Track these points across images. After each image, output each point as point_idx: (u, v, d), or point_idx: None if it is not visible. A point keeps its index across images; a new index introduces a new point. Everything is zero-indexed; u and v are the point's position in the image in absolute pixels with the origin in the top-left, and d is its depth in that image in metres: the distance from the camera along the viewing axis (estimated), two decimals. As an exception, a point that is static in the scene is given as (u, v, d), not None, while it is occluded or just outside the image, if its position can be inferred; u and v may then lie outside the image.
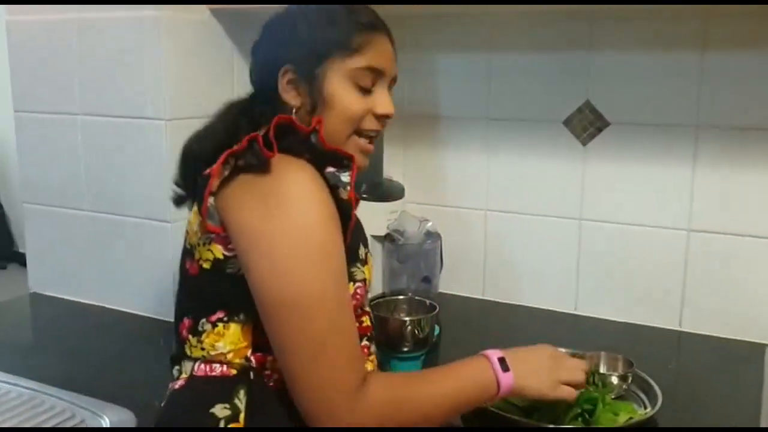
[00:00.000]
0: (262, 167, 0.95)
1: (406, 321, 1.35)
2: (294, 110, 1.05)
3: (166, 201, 1.54)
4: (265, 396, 1.00)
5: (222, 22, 1.65)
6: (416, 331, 1.34)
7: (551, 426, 1.11)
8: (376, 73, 1.06)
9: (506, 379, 1.02)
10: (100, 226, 1.69)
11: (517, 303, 1.77)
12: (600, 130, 1.63)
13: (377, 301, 1.44)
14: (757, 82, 1.48)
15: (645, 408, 1.20)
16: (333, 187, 0.99)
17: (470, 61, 1.74)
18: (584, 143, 1.65)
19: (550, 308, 1.73)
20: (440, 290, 1.79)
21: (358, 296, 1.07)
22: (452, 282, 1.82)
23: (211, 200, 0.97)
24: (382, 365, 1.26)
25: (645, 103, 1.58)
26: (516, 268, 1.77)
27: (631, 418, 1.13)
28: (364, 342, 1.11)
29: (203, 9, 1.61)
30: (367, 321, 1.14)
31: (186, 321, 1.04)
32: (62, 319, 1.70)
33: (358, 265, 1.07)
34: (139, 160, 1.59)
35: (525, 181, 1.73)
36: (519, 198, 1.74)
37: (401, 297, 1.48)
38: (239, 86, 1.65)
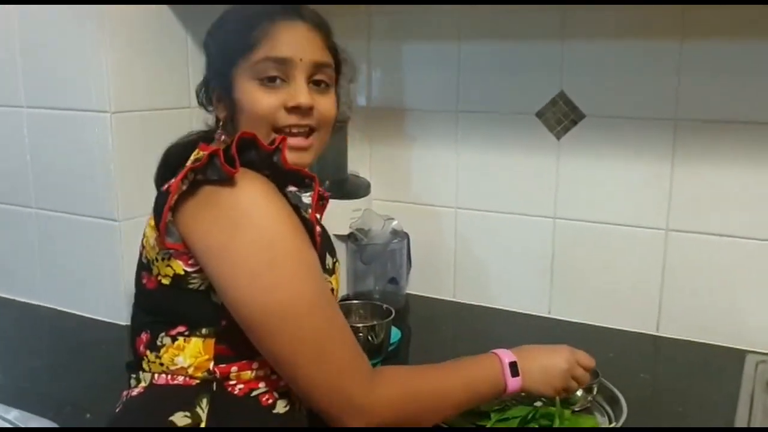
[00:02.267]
0: (223, 182, 0.91)
1: (358, 327, 1.27)
2: (221, 123, 1.04)
3: (114, 198, 1.49)
4: (229, 404, 0.96)
5: (174, 8, 1.56)
6: (370, 338, 1.27)
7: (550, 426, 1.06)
8: (280, 63, 0.99)
9: (513, 384, 1.04)
10: (46, 224, 1.62)
11: (489, 305, 1.69)
12: (575, 122, 1.55)
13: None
14: (739, 72, 1.39)
15: (610, 422, 1.13)
16: (294, 207, 0.97)
17: (438, 51, 1.66)
18: (558, 137, 1.57)
19: (523, 311, 1.66)
20: (409, 292, 1.72)
21: None
22: (421, 283, 1.75)
23: (169, 216, 0.93)
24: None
25: (622, 94, 1.50)
26: (488, 268, 1.69)
27: None
28: None
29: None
30: None
31: (143, 336, 1.00)
32: (4, 321, 1.64)
33: (326, 275, 1.04)
34: (86, 154, 1.51)
35: (496, 178, 1.65)
36: (490, 195, 1.66)
37: (356, 301, 1.41)
38: (195, 75, 1.57)
